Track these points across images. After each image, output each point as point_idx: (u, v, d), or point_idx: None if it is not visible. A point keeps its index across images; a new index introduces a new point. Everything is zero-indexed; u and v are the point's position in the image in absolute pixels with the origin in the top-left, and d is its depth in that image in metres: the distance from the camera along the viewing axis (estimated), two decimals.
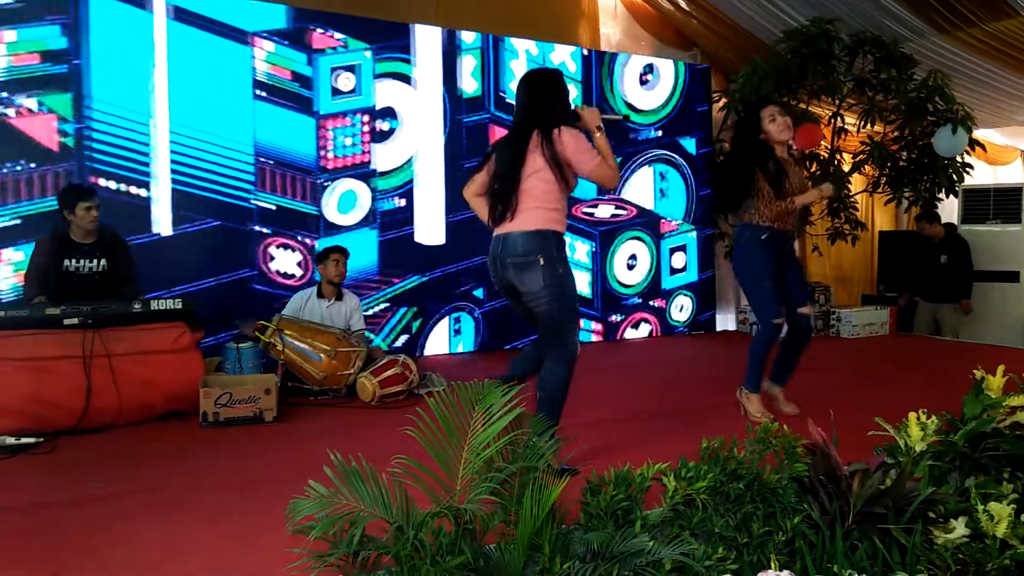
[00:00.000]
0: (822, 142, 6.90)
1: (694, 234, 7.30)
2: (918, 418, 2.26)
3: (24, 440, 3.36)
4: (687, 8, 7.04)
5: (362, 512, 1.73)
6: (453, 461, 1.84)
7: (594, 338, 6.69)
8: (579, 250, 6.55)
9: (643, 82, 6.97)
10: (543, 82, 3.03)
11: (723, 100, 7.17)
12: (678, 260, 7.22)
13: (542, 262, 2.84)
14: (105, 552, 2.25)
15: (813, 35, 6.32)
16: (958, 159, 6.61)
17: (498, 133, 6.13)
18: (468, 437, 1.85)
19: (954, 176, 6.68)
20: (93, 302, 3.77)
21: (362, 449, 1.90)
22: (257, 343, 4.44)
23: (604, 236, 6.71)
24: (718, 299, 7.55)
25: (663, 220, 7.11)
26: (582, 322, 6.39)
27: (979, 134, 6.98)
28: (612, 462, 2.07)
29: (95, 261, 4.12)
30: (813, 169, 7.10)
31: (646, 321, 7.01)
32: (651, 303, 7.01)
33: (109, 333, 3.70)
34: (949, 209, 7.51)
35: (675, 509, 1.98)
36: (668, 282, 7.10)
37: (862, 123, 6.70)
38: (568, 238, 3.17)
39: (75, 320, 3.66)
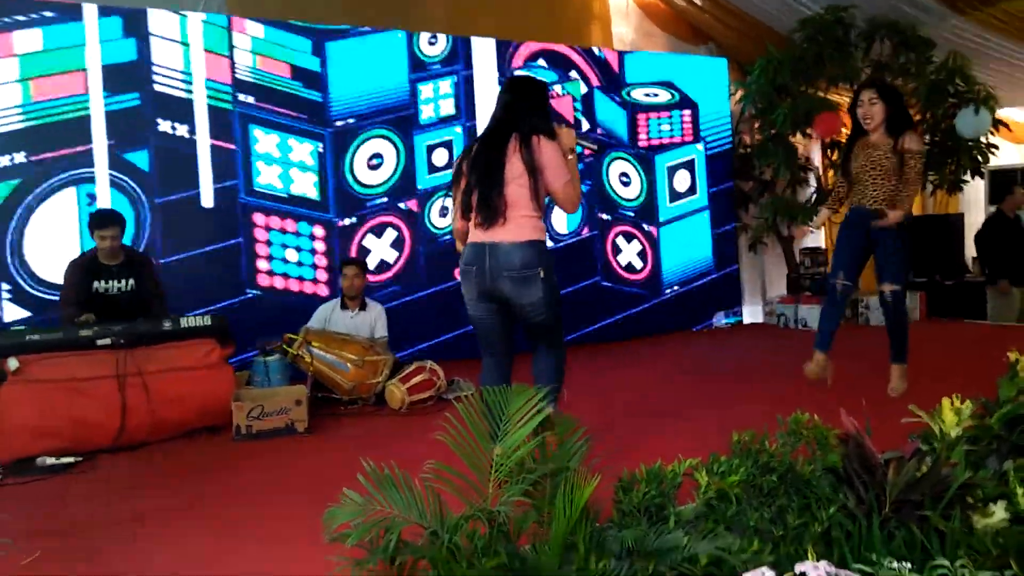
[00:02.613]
0: (842, 130, 6.85)
1: None
2: (952, 403, 2.23)
3: (63, 460, 3.42)
4: (700, 3, 7.02)
5: (397, 518, 1.74)
6: (484, 464, 1.85)
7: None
8: (298, 150, 5.54)
9: None
10: (530, 89, 2.97)
11: (740, 92, 7.13)
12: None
13: (542, 275, 2.81)
14: (148, 568, 2.29)
15: (828, 22, 6.28)
16: (982, 140, 6.53)
17: None
18: (498, 440, 1.86)
19: (979, 157, 6.59)
20: (124, 322, 3.84)
21: (394, 456, 1.92)
22: (284, 356, 4.49)
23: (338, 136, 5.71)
24: (746, 294, 7.50)
25: None
26: None
27: (1002, 113, 6.87)
28: (643, 459, 2.07)
29: (123, 281, 4.19)
30: (834, 157, 7.05)
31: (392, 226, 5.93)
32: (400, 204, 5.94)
33: (141, 351, 3.76)
34: (975, 191, 7.41)
35: (708, 504, 1.97)
36: (423, 182, 6.03)
37: None
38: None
39: (107, 340, 3.73)
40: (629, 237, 6.84)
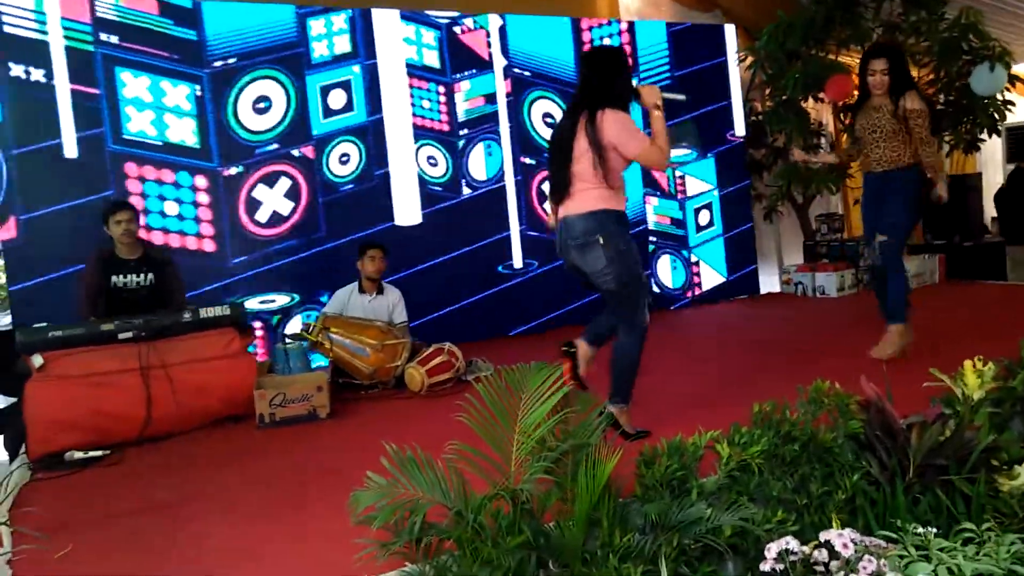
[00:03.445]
0: (854, 92, 6.75)
1: None
2: (974, 365, 2.22)
3: (92, 454, 3.47)
4: None
5: (421, 499, 1.76)
6: (506, 444, 1.86)
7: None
8: (172, 93, 5.03)
9: None
10: (601, 60, 3.04)
11: (749, 59, 7.05)
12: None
13: (601, 241, 2.90)
14: (180, 556, 2.33)
15: None
16: (998, 97, 6.41)
17: None
18: (519, 419, 1.87)
19: (995, 115, 6.48)
20: (144, 315, 3.87)
21: (416, 438, 1.93)
22: (304, 342, 4.52)
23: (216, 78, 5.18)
24: (760, 260, 7.44)
25: None
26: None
27: (1018, 69, 6.74)
28: (664, 432, 2.07)
29: (142, 275, 4.22)
30: (847, 121, 6.96)
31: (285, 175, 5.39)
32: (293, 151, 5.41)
33: (162, 344, 3.80)
34: (991, 149, 7.30)
35: (731, 475, 1.98)
36: (319, 127, 5.46)
37: None
38: None
39: (129, 334, 3.77)
40: None
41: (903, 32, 6.41)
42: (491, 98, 6.05)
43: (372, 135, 5.63)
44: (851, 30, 6.36)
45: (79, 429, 3.54)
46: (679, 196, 6.83)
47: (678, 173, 6.82)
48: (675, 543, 1.72)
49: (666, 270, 6.77)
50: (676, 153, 6.70)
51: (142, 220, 4.76)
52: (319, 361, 4.74)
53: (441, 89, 5.86)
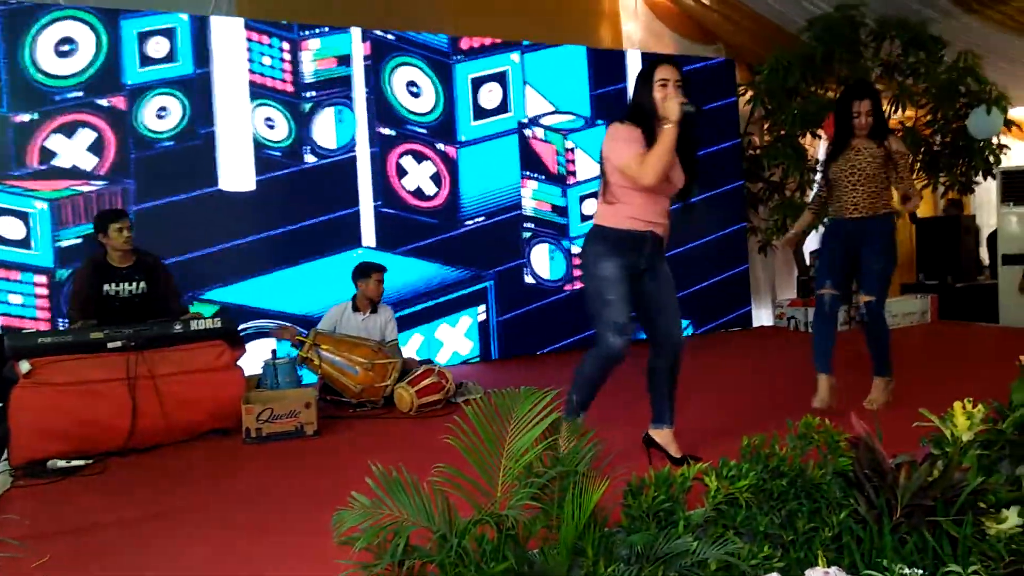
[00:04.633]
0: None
1: None
2: (964, 407, 2.22)
3: (74, 463, 3.43)
4: (708, 2, 7.00)
5: (405, 522, 1.74)
6: (493, 468, 1.85)
7: None
8: None
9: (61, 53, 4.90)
10: (637, 77, 3.04)
11: (749, 93, 7.11)
12: None
13: (583, 255, 3.01)
14: (157, 570, 2.30)
15: (837, 21, 6.25)
16: (994, 140, 6.48)
17: None
18: (506, 444, 1.86)
19: (990, 158, 6.54)
20: (135, 324, 3.86)
21: (402, 459, 1.92)
22: (293, 358, 4.51)
23: None
24: (753, 294, 7.47)
25: None
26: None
27: (1014, 114, 6.81)
28: (653, 463, 2.06)
29: (135, 284, 4.20)
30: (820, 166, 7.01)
31: (88, 126, 4.92)
32: (100, 100, 4.89)
33: (152, 354, 3.78)
34: (986, 192, 7.36)
35: (718, 508, 1.97)
36: (134, 76, 5.02)
37: (892, 109, 6.59)
38: None
39: (118, 343, 3.74)
40: (419, 157, 5.89)
41: (901, 73, 6.48)
42: (345, 60, 5.61)
43: (198, 90, 5.16)
44: (850, 68, 6.42)
45: (63, 437, 3.51)
46: (569, 181, 6.36)
47: (569, 145, 6.38)
48: (660, 575, 1.71)
49: (543, 260, 6.31)
50: None
51: None
52: (310, 378, 4.73)
53: (285, 46, 5.41)
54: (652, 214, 2.93)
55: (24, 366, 3.55)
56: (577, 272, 6.26)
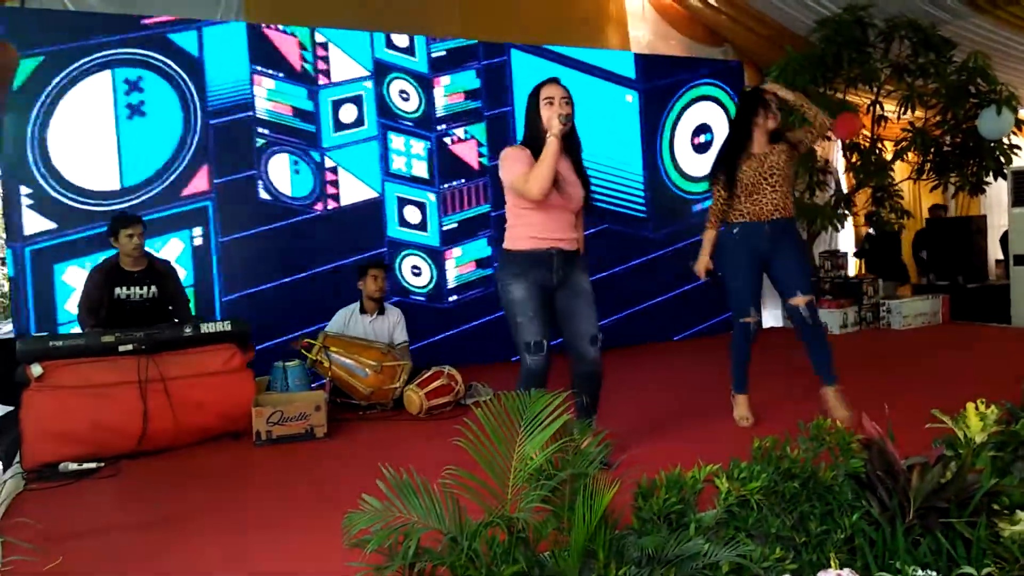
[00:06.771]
0: (862, 131, 6.79)
1: None
2: (977, 408, 2.20)
3: (86, 466, 3.45)
4: (716, 4, 6.99)
5: (416, 524, 1.74)
6: (503, 470, 1.85)
7: None
8: None
9: None
10: (527, 98, 3.06)
11: None
12: None
13: (496, 283, 3.05)
14: (170, 573, 2.31)
15: (847, 22, 6.23)
16: (1004, 140, 6.45)
17: None
18: (517, 446, 1.86)
19: (1001, 158, 6.51)
20: (146, 328, 3.87)
21: (412, 461, 1.92)
22: (303, 360, 4.51)
23: None
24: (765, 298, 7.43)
25: None
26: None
27: None
28: (662, 465, 2.06)
29: (145, 288, 4.22)
30: (854, 160, 6.99)
31: None
32: None
33: (163, 357, 3.79)
34: (997, 192, 7.31)
35: (729, 511, 1.96)
36: None
37: (902, 110, 6.58)
38: None
39: (129, 347, 3.76)
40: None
41: (911, 73, 6.46)
42: None
43: None
44: (860, 69, 6.40)
45: (75, 440, 3.52)
46: (439, 187, 6.04)
47: (457, 136, 6.12)
48: None
49: (409, 273, 6.03)
50: None
51: None
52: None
53: None
54: (554, 231, 2.96)
55: (36, 369, 3.56)
56: (332, 190, 5.71)
